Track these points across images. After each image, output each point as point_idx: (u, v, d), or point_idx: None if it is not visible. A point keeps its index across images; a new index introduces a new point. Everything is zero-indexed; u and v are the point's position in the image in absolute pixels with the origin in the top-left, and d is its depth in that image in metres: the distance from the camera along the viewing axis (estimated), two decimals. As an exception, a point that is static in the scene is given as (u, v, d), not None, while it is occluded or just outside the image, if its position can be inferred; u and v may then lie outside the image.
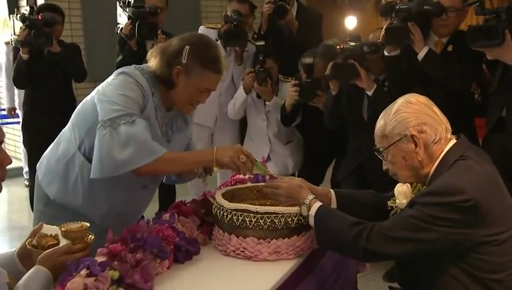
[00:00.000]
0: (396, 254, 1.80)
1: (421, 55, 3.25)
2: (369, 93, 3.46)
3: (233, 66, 4.28)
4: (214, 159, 2.08)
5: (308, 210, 1.89)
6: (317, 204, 1.89)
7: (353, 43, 3.47)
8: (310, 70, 3.84)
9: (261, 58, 3.95)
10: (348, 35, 3.75)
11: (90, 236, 1.74)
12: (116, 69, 4.04)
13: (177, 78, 2.18)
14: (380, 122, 1.91)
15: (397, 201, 1.90)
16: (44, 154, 2.44)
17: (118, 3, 4.18)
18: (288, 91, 3.89)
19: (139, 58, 4.19)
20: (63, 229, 1.70)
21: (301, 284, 1.93)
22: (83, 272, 1.59)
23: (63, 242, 1.69)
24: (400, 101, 1.88)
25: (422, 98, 1.89)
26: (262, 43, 4.13)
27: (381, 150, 1.91)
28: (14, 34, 4.52)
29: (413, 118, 1.82)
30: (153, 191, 2.52)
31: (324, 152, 4.20)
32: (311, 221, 1.88)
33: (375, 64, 3.51)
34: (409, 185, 1.91)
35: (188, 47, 2.16)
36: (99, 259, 1.68)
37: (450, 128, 1.87)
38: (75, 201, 2.25)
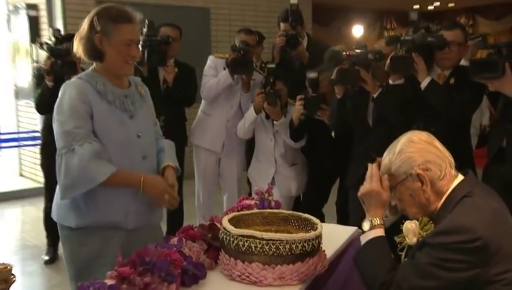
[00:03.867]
0: None
1: (423, 85, 3.28)
2: (374, 95, 3.50)
3: (241, 94, 4.32)
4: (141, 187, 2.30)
5: (369, 229, 1.87)
6: (380, 231, 1.86)
7: (359, 50, 3.52)
8: (314, 85, 3.88)
9: (271, 80, 3.97)
10: (355, 43, 3.81)
11: (13, 277, 1.70)
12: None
13: (102, 45, 2.29)
14: (384, 161, 1.91)
15: (407, 239, 1.90)
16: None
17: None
18: (295, 105, 3.92)
19: (151, 84, 4.25)
20: None
21: (305, 309, 1.92)
22: (93, 294, 1.60)
23: None
24: (403, 140, 1.88)
25: (424, 136, 1.88)
26: (273, 65, 4.16)
27: None
28: (36, 62, 4.57)
29: (418, 157, 1.82)
30: None
31: (328, 172, 4.20)
32: (364, 240, 1.87)
33: (379, 72, 3.53)
34: (416, 222, 1.90)
35: (95, 17, 2.29)
36: (109, 282, 1.69)
37: (453, 162, 1.86)
38: (95, 217, 2.31)
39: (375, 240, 1.84)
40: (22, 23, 7.07)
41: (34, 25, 6.82)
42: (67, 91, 2.29)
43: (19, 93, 7.62)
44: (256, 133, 4.21)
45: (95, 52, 2.31)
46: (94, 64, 2.38)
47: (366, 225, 1.88)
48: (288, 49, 4.34)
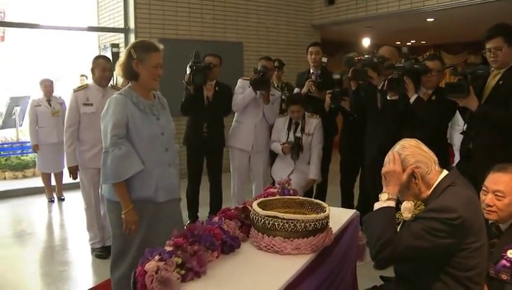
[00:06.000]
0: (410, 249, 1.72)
1: (411, 100, 3.41)
2: (379, 87, 3.76)
3: (264, 105, 4.34)
4: (124, 212, 2.38)
5: (385, 200, 1.80)
6: (392, 204, 1.81)
7: (367, 56, 3.83)
8: (339, 83, 4.19)
9: (297, 143, 4.12)
10: (364, 50, 4.04)
11: None
12: (180, 107, 4.20)
13: (137, 68, 2.42)
14: (385, 165, 1.88)
15: (403, 215, 1.89)
16: None
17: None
18: (326, 98, 4.24)
19: (196, 99, 4.29)
20: None
21: (316, 271, 1.90)
22: (157, 257, 1.62)
23: None
24: (397, 147, 1.87)
25: (413, 142, 1.88)
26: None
27: None
28: (115, 84, 4.64)
29: (411, 158, 1.82)
30: (177, 169, 2.63)
31: (352, 161, 4.42)
32: (379, 206, 1.81)
33: (383, 70, 3.75)
34: (412, 202, 1.91)
35: (132, 49, 2.43)
36: (168, 249, 1.70)
37: (436, 160, 1.86)
38: (133, 194, 2.41)
39: (388, 209, 1.79)
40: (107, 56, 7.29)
41: (115, 58, 7.02)
42: (112, 104, 2.41)
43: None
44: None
45: (131, 73, 2.44)
46: (130, 83, 2.49)
47: (384, 196, 1.81)
48: (317, 89, 4.54)
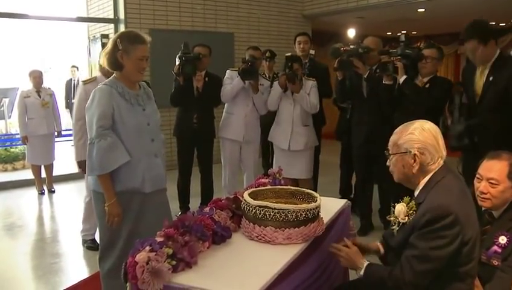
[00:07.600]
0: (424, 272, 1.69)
1: (401, 80, 3.62)
2: (365, 76, 3.87)
3: (253, 95, 4.31)
4: (107, 204, 2.34)
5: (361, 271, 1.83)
6: (365, 263, 1.84)
7: (352, 46, 3.92)
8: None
9: (289, 64, 4.08)
10: (350, 41, 4.15)
11: None
12: (170, 98, 4.15)
13: (122, 59, 2.36)
14: (396, 133, 1.85)
15: (400, 219, 1.83)
16: None
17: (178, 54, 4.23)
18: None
19: (186, 90, 4.26)
20: None
21: (307, 261, 1.91)
22: (147, 248, 1.61)
23: None
24: (417, 124, 1.81)
25: (434, 129, 1.81)
26: (289, 54, 4.29)
27: (390, 152, 1.86)
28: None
29: (420, 142, 1.77)
30: (163, 159, 2.60)
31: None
32: (360, 274, 1.84)
33: (368, 60, 3.89)
34: (405, 205, 1.82)
35: (118, 39, 2.36)
36: (158, 239, 1.69)
37: (445, 156, 1.81)
38: (119, 185, 2.38)
39: (369, 270, 1.82)
40: (97, 48, 7.14)
41: (105, 49, 6.94)
42: (97, 94, 2.36)
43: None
44: (280, 102, 4.25)
45: (116, 64, 2.38)
46: (115, 73, 2.44)
47: (359, 273, 1.84)
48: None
